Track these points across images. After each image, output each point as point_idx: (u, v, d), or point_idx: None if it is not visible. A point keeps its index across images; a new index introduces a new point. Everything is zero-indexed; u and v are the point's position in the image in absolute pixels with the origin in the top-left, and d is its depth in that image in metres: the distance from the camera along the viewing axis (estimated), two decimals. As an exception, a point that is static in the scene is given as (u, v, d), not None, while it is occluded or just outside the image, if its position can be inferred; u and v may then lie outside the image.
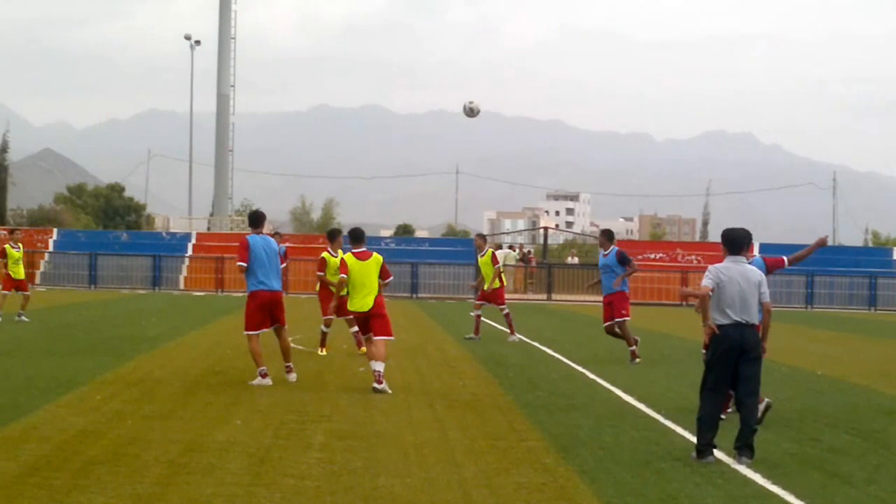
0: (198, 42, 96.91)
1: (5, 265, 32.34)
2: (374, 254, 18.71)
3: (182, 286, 59.21)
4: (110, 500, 10.09)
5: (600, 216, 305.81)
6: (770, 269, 16.04)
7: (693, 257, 62.87)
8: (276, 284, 18.59)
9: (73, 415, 14.56)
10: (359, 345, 23.33)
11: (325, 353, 23.62)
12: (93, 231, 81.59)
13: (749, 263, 13.38)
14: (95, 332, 28.19)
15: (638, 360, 23.14)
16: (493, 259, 28.81)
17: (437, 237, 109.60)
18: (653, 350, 26.70)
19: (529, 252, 70.26)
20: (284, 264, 27.63)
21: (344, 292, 19.01)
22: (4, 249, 32.43)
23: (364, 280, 18.41)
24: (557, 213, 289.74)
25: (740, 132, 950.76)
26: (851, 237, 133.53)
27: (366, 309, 18.36)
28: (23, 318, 31.44)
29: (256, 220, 18.92)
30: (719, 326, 12.78)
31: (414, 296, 56.40)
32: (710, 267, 13.11)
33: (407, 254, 61.55)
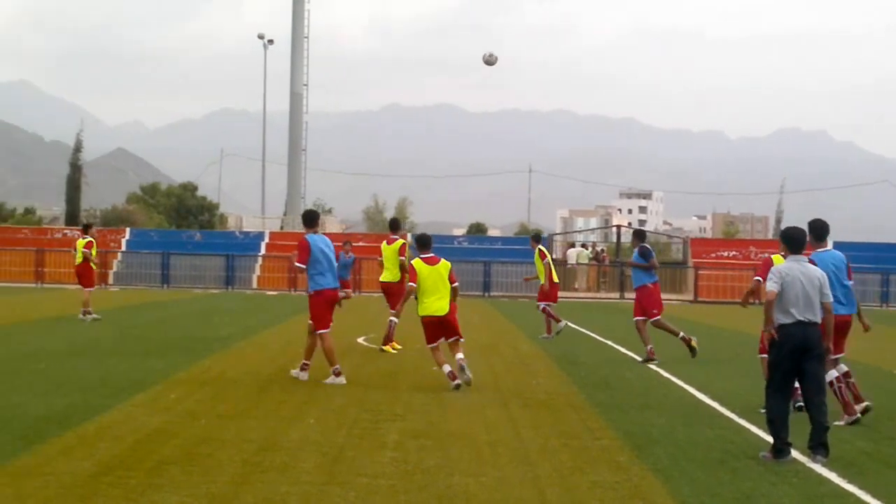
0: (271, 41, 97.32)
1: (92, 261, 32.17)
2: (442, 259, 18.79)
3: (255, 286, 59.49)
4: (184, 499, 10.13)
5: (673, 214, 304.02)
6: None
7: (766, 255, 62.25)
8: (336, 282, 18.73)
9: (146, 414, 14.66)
10: (389, 339, 23.69)
11: (395, 349, 23.71)
12: (166, 230, 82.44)
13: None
14: (168, 332, 28.43)
15: (655, 360, 22.94)
16: (541, 255, 28.84)
17: (510, 236, 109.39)
18: (725, 348, 26.52)
19: (602, 251, 69.95)
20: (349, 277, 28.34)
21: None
22: (92, 242, 32.37)
23: (436, 284, 18.44)
24: (630, 211, 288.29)
25: (814, 129, 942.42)
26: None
27: (442, 313, 18.37)
28: (90, 316, 31.17)
29: (311, 219, 19.00)
30: (782, 325, 12.78)
31: (486, 294, 56.20)
32: (773, 268, 13.09)
33: (479, 252, 61.30)
